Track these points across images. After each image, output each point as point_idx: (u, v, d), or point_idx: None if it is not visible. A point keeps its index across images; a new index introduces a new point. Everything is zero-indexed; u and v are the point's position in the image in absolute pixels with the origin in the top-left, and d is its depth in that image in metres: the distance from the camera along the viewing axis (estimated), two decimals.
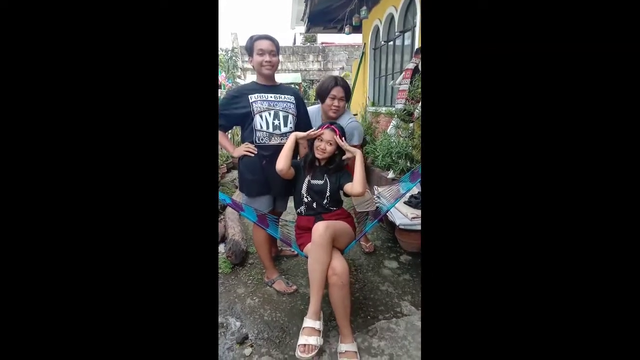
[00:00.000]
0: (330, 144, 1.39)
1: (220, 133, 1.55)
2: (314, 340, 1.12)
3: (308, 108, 1.81)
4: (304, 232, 1.40)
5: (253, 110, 1.47)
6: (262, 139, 1.49)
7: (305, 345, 1.12)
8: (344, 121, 1.75)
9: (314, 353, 1.11)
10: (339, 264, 1.18)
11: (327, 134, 1.39)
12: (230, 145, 1.57)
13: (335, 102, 1.72)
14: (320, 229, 1.20)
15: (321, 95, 1.76)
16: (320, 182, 1.41)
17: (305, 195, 1.41)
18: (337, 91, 1.71)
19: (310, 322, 1.16)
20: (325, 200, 1.40)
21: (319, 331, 1.16)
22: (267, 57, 1.45)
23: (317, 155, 1.41)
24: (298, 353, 1.11)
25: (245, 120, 1.50)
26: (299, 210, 1.46)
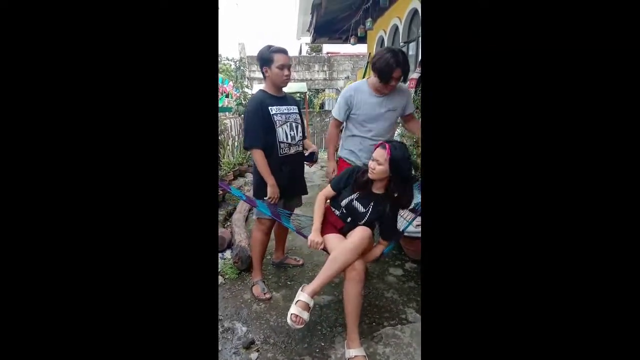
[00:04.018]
0: (380, 163, 1.26)
1: (259, 153, 1.51)
2: (306, 316, 1.16)
3: (349, 85, 1.72)
4: (326, 224, 1.39)
5: (275, 122, 1.56)
6: (284, 150, 1.60)
7: (297, 316, 1.15)
8: (398, 96, 1.64)
9: (302, 326, 1.16)
10: (359, 262, 1.23)
11: (376, 152, 1.28)
12: (270, 173, 1.54)
13: (392, 82, 1.54)
14: (366, 235, 1.24)
15: (383, 75, 1.51)
16: (362, 209, 1.33)
17: (343, 209, 1.37)
18: (397, 74, 1.51)
19: (306, 297, 1.19)
20: (362, 222, 1.36)
21: (310, 308, 1.20)
22: (286, 72, 1.54)
23: (369, 175, 1.30)
24: (290, 321, 1.15)
25: (267, 132, 1.54)
26: (333, 209, 1.42)
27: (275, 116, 1.56)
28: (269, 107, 1.55)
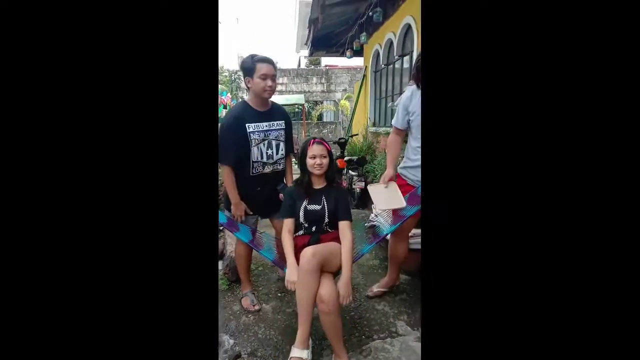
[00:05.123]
0: (324, 156, 1.35)
1: (228, 170, 1.47)
2: None
3: (409, 91, 1.57)
4: (298, 251, 1.35)
5: (250, 141, 1.47)
6: (257, 169, 1.53)
7: None
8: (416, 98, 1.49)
9: None
10: (326, 291, 1.16)
11: (316, 149, 1.35)
12: (235, 192, 1.50)
13: None
14: (308, 255, 1.19)
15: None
16: (318, 207, 1.36)
17: (303, 222, 1.38)
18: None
19: (298, 351, 1.15)
20: (324, 224, 1.36)
21: None
22: (269, 82, 1.44)
23: (317, 172, 1.36)
24: None
25: (241, 151, 1.48)
26: (296, 233, 1.41)
27: (251, 134, 1.47)
28: (247, 125, 1.46)
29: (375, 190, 1.57)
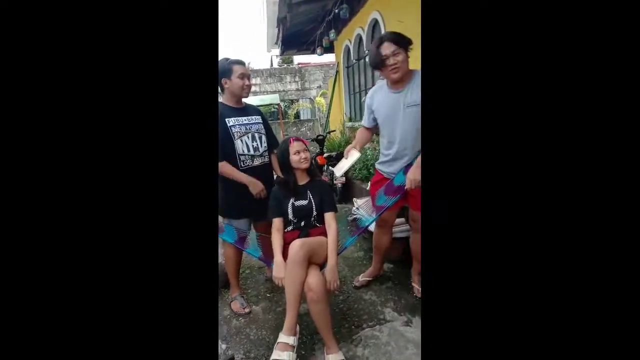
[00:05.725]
0: (306, 149, 1.42)
1: (223, 163, 1.49)
2: (287, 356, 1.15)
3: (371, 90, 1.62)
4: (286, 247, 1.38)
5: (233, 135, 1.52)
6: (245, 162, 1.56)
7: None
8: (416, 83, 1.39)
9: None
10: (313, 279, 1.21)
11: (298, 145, 1.41)
12: (240, 173, 1.51)
13: (391, 61, 1.34)
14: (295, 246, 1.23)
15: (375, 64, 1.40)
16: (305, 202, 1.41)
17: (292, 218, 1.41)
18: (386, 48, 1.34)
19: (285, 337, 1.18)
20: (312, 218, 1.41)
21: (293, 347, 1.18)
22: (247, 81, 1.55)
23: (303, 166, 1.41)
24: None
25: (224, 145, 1.51)
26: (286, 229, 1.44)
27: (232, 128, 1.53)
28: (226, 119, 1.52)
29: (338, 166, 1.68)
